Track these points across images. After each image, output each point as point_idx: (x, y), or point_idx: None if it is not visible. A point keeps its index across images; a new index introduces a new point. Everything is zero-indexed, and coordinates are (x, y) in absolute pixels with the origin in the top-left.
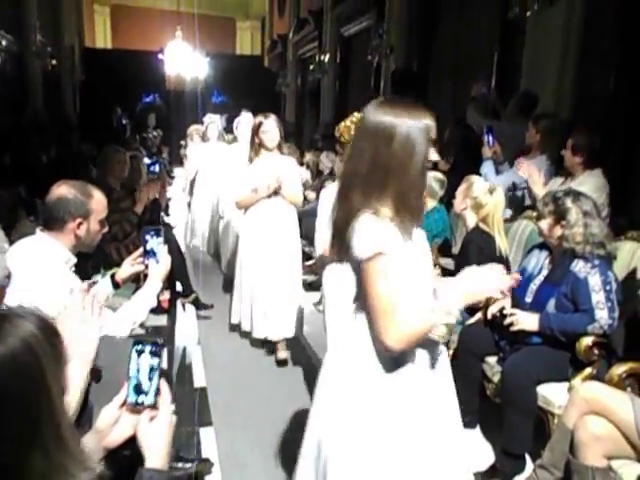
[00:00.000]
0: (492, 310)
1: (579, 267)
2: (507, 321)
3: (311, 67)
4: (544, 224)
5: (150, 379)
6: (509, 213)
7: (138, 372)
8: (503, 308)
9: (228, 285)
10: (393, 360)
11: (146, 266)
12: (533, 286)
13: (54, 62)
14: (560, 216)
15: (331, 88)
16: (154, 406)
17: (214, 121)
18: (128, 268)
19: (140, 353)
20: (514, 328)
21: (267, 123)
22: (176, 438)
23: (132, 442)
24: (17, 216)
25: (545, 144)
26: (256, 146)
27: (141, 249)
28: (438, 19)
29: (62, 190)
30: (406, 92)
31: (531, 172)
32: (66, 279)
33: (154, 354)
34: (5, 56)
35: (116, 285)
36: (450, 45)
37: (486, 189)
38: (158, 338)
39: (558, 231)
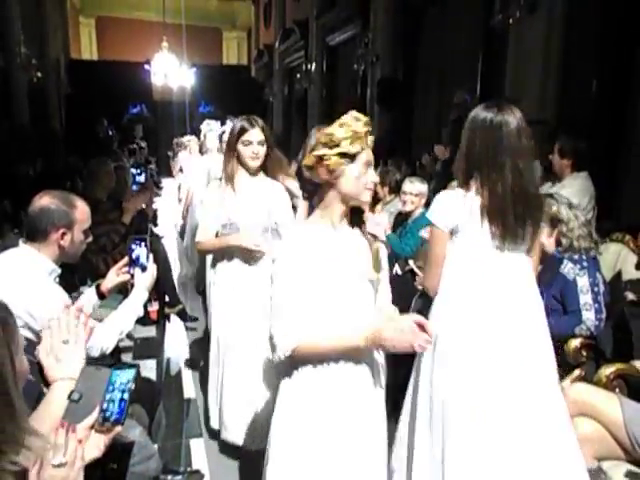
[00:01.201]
0: None
1: (568, 269)
2: None
3: (297, 76)
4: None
5: (121, 400)
6: None
7: (112, 396)
8: None
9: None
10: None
11: (132, 275)
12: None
13: (39, 75)
14: (554, 220)
15: (318, 97)
16: (120, 423)
17: (212, 129)
18: (114, 278)
19: (117, 378)
20: None
21: (252, 133)
22: (166, 450)
23: (119, 455)
24: (1, 230)
25: (537, 150)
26: (233, 163)
27: (126, 258)
28: (422, 27)
29: (44, 201)
30: (392, 100)
31: None
32: (51, 290)
33: (129, 380)
34: None
35: (102, 295)
36: (435, 53)
37: None
38: (134, 363)
39: (554, 235)
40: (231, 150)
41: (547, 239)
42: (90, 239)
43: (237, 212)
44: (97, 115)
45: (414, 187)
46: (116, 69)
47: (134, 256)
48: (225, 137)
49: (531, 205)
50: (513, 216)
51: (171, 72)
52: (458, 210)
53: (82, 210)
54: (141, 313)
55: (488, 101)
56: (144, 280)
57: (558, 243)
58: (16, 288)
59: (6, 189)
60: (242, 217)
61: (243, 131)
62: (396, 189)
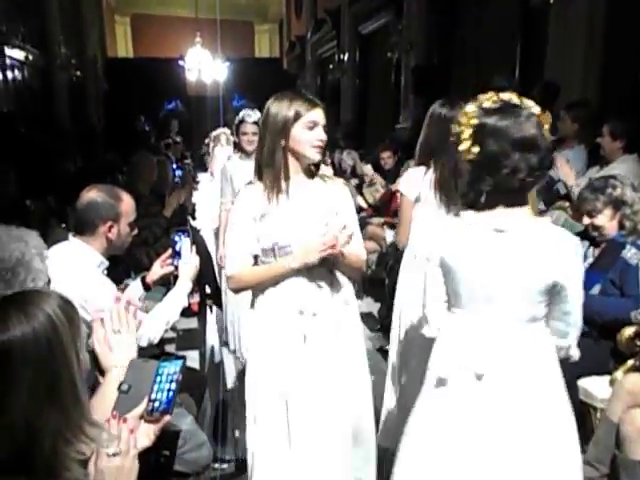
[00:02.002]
0: None
1: (631, 254)
2: None
3: (330, 67)
4: (603, 218)
5: (169, 391)
6: (541, 206)
7: (160, 387)
8: None
9: None
10: None
11: (175, 267)
12: None
13: (78, 73)
14: (617, 202)
15: (351, 87)
16: (168, 412)
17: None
18: (158, 270)
19: (164, 369)
20: None
21: (316, 114)
22: (211, 439)
23: (170, 443)
24: (49, 225)
25: (584, 133)
26: (285, 155)
27: (170, 250)
28: (458, 12)
29: (92, 195)
30: (427, 88)
31: (562, 164)
32: (101, 282)
33: (176, 372)
34: (32, 70)
35: (147, 287)
36: (471, 38)
37: None
38: (181, 355)
39: (616, 218)
40: (281, 136)
41: (608, 222)
42: (135, 232)
43: (289, 228)
44: (134, 111)
45: None
46: (151, 66)
47: (177, 248)
48: None
49: None
50: (454, 189)
51: (205, 67)
52: (420, 183)
53: (128, 203)
54: (185, 304)
55: (444, 99)
56: (187, 271)
57: (621, 226)
58: (68, 280)
59: (49, 185)
60: (297, 234)
61: (302, 111)
62: None
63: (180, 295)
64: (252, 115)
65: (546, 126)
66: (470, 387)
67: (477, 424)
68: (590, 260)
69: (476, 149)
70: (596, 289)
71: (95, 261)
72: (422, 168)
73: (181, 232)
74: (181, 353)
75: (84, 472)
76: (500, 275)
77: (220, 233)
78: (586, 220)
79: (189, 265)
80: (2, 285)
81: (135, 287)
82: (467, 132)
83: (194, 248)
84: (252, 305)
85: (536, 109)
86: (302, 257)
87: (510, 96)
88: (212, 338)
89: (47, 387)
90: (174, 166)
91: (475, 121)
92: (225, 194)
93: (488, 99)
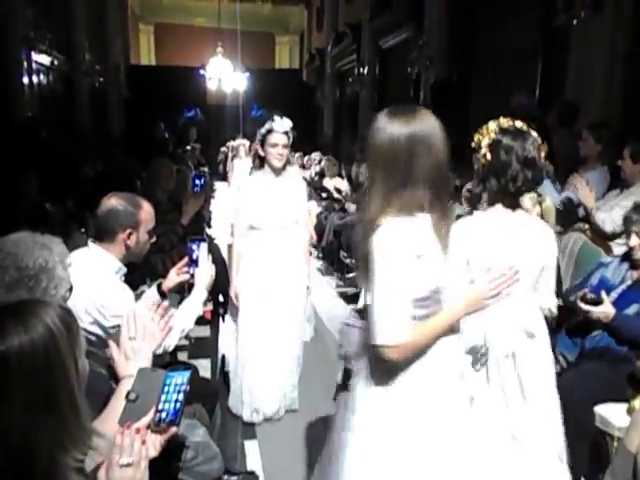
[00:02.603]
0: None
1: None
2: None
3: (349, 80)
4: (635, 240)
5: (176, 401)
6: (557, 228)
7: (167, 397)
8: (585, 294)
9: None
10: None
11: (192, 275)
12: (614, 294)
13: (101, 79)
14: None
15: (369, 101)
16: (175, 424)
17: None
18: (174, 277)
19: (172, 380)
20: (587, 309)
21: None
22: (222, 450)
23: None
24: (69, 229)
25: (606, 155)
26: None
27: (186, 259)
28: (478, 29)
29: (112, 202)
30: (446, 104)
31: (581, 187)
32: (119, 288)
33: (184, 382)
34: (56, 75)
35: (163, 295)
36: (491, 56)
37: (534, 200)
38: (189, 365)
39: None
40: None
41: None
42: (154, 239)
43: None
44: (154, 118)
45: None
46: (172, 74)
47: (194, 256)
48: None
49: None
50: None
51: (225, 77)
52: None
53: (147, 211)
54: (201, 312)
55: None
56: (204, 280)
57: None
58: (87, 286)
59: (69, 190)
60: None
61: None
62: (454, 194)
63: (196, 303)
64: (283, 124)
65: (542, 153)
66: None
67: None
68: (629, 282)
69: (489, 156)
70: (633, 308)
71: (114, 267)
72: None
73: (198, 241)
74: (193, 361)
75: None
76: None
77: (233, 263)
78: (634, 241)
79: (205, 273)
80: (24, 292)
81: (151, 294)
82: (485, 142)
83: (210, 257)
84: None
85: (539, 139)
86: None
87: (522, 124)
88: (224, 347)
89: (44, 398)
90: (193, 174)
91: (493, 136)
92: (239, 216)
93: (505, 122)
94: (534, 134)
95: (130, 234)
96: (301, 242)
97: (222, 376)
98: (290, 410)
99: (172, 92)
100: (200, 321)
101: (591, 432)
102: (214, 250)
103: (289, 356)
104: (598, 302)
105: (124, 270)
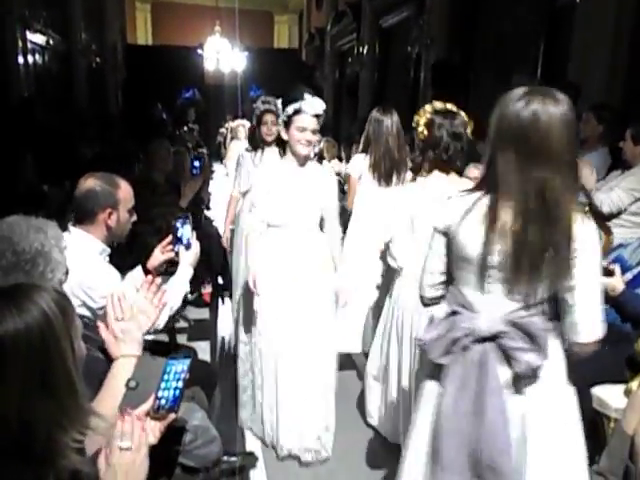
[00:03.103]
0: None
1: None
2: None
3: (349, 60)
4: None
5: (175, 389)
6: None
7: (166, 385)
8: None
9: None
10: None
11: (176, 253)
12: (629, 275)
13: (98, 60)
14: None
15: (369, 81)
16: (174, 411)
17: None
18: (159, 255)
19: (172, 367)
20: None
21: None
22: (221, 432)
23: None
24: (66, 211)
25: (608, 136)
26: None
27: (171, 237)
28: (480, 8)
29: (89, 183)
30: (447, 84)
31: (583, 167)
32: (104, 269)
33: (184, 370)
34: (52, 55)
35: (148, 273)
36: (493, 35)
37: None
38: (189, 352)
39: None
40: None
41: None
42: (135, 218)
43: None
44: (152, 99)
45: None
46: (170, 54)
47: (179, 234)
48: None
49: (395, 164)
50: (384, 169)
51: (223, 56)
52: (361, 165)
53: (125, 189)
54: (188, 289)
55: (380, 106)
56: (188, 257)
57: None
58: (72, 269)
59: (66, 171)
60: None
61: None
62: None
63: (181, 281)
64: (314, 104)
65: (469, 128)
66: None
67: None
68: None
69: (426, 132)
70: None
71: (97, 249)
72: (363, 155)
73: (182, 218)
74: (192, 343)
75: (81, 459)
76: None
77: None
78: None
79: (190, 251)
80: (22, 275)
81: (136, 274)
82: (422, 121)
83: (194, 234)
84: None
85: (465, 118)
86: None
87: (452, 106)
88: (223, 329)
89: (41, 381)
90: (192, 156)
91: (429, 116)
92: (253, 211)
93: (438, 105)
94: (462, 114)
95: (110, 214)
96: (326, 245)
97: (221, 358)
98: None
99: (170, 72)
100: (199, 303)
101: (588, 413)
102: (211, 232)
103: (322, 386)
104: (610, 274)
105: (108, 251)
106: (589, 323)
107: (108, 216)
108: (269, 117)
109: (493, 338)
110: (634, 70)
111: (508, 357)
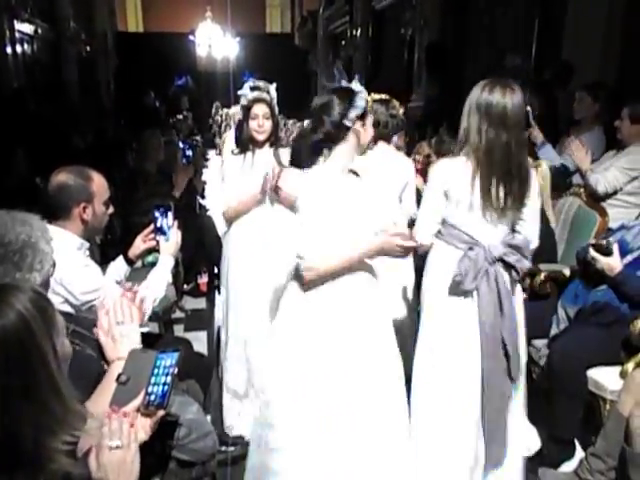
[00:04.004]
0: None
1: None
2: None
3: (343, 43)
4: None
5: (164, 384)
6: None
7: (156, 380)
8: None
9: None
10: None
11: (157, 242)
12: (630, 257)
13: (88, 48)
14: None
15: (363, 64)
16: (163, 407)
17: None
18: (140, 244)
19: (162, 362)
20: (595, 256)
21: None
22: (218, 422)
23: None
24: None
25: (603, 115)
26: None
27: (152, 226)
28: None
29: (61, 177)
30: (440, 66)
31: (577, 150)
32: (84, 264)
33: (172, 364)
34: (41, 44)
35: (130, 262)
36: (487, 16)
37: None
38: (179, 347)
39: None
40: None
41: None
42: (111, 210)
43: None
44: (144, 87)
45: None
46: (161, 41)
47: (158, 224)
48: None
49: None
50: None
51: (215, 42)
52: None
53: (99, 182)
54: (170, 279)
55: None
56: (169, 247)
57: None
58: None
59: (59, 162)
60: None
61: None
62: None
63: (163, 271)
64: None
65: (402, 110)
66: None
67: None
68: None
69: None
70: None
71: (74, 244)
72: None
73: (162, 207)
74: (189, 334)
75: (73, 462)
76: None
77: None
78: None
79: (170, 241)
80: (10, 267)
81: (119, 263)
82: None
83: (175, 223)
84: None
85: (397, 103)
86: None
87: (387, 96)
88: (220, 319)
89: (22, 385)
90: (181, 145)
91: (370, 103)
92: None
93: (376, 95)
94: (394, 101)
95: (85, 208)
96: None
97: (218, 348)
98: None
99: (161, 59)
100: (196, 293)
101: (584, 395)
102: (207, 223)
103: None
104: (608, 253)
105: (87, 245)
106: (534, 240)
107: (83, 210)
108: (260, 108)
109: (500, 258)
110: (627, 51)
111: (511, 268)
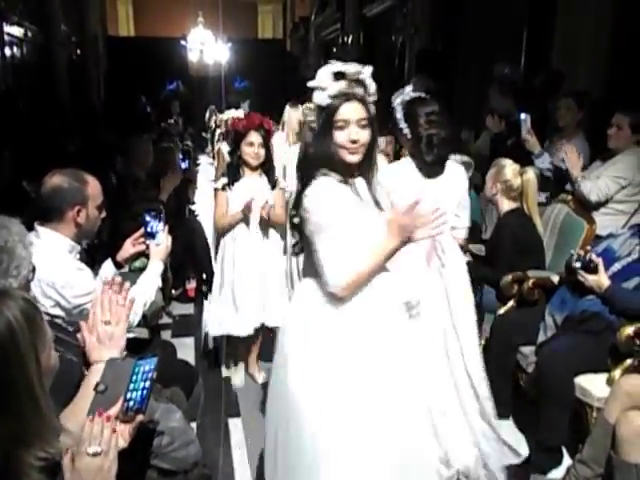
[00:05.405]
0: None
1: None
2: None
3: (334, 49)
4: None
5: (143, 389)
6: (544, 197)
7: (135, 386)
8: (586, 253)
9: None
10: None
11: (147, 246)
12: (618, 266)
13: (78, 52)
14: None
15: None
16: (142, 412)
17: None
18: (129, 248)
19: (140, 368)
20: (582, 276)
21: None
22: (205, 428)
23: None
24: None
25: (586, 123)
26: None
27: (142, 230)
28: None
29: (56, 180)
30: (431, 73)
31: (570, 154)
32: (75, 267)
33: (151, 369)
34: (31, 47)
35: (118, 265)
36: (477, 24)
37: (516, 172)
38: (155, 352)
39: None
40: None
41: None
42: (104, 214)
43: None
44: (135, 91)
45: None
46: (153, 45)
47: (148, 228)
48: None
49: None
50: None
51: (207, 47)
52: None
53: (94, 186)
54: (159, 284)
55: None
56: (158, 252)
57: None
58: (42, 270)
59: (47, 166)
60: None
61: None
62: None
63: (152, 276)
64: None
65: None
66: None
67: None
68: (636, 256)
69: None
70: (633, 282)
71: (66, 247)
72: None
73: (153, 212)
74: (176, 340)
75: (43, 478)
76: None
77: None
78: None
79: (160, 246)
80: None
81: (107, 266)
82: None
83: (166, 228)
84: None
85: None
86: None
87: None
88: (207, 325)
89: (1, 397)
90: (180, 156)
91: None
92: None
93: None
94: None
95: (79, 211)
96: None
97: (205, 354)
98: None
99: (153, 64)
100: (184, 299)
101: (571, 403)
102: (196, 228)
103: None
104: (595, 268)
105: (78, 248)
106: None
107: (77, 213)
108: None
109: None
110: (615, 59)
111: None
